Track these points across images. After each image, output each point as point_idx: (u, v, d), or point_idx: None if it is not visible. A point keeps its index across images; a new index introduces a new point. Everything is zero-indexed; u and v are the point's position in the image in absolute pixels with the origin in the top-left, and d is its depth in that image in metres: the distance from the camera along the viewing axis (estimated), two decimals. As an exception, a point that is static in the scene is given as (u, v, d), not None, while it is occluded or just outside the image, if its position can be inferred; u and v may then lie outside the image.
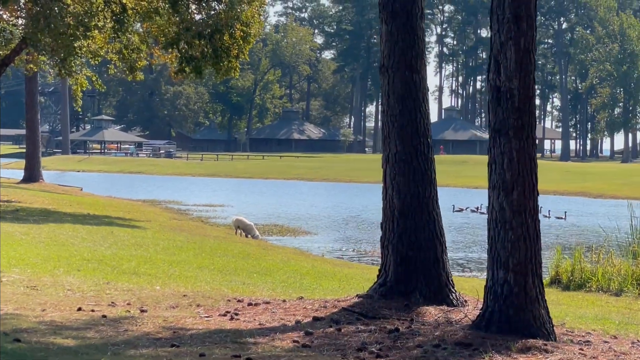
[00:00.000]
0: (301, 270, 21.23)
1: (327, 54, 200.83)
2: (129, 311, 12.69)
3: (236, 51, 34.97)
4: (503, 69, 11.17)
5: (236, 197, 65.69)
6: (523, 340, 10.65)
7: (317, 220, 47.08)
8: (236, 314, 12.48)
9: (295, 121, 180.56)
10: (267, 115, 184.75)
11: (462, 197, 62.08)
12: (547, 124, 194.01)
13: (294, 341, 10.85)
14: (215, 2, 35.36)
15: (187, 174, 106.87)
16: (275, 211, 51.25)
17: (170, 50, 35.62)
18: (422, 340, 10.80)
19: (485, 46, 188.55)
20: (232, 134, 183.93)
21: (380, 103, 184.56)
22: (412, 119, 13.16)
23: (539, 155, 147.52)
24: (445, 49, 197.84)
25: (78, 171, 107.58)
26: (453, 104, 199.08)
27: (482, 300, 11.61)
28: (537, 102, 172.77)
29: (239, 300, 13.76)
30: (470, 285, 18.29)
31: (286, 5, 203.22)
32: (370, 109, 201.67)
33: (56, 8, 32.92)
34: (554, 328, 11.30)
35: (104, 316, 12.23)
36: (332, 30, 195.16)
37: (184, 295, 14.33)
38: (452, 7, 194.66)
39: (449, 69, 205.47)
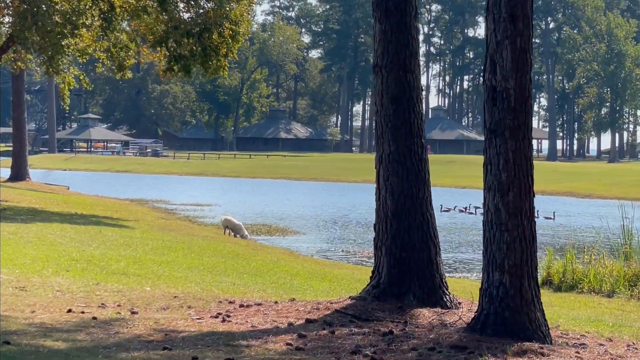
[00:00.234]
0: (291, 270, 21.11)
1: (314, 53, 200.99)
2: (120, 313, 12.54)
3: (225, 50, 34.85)
4: (499, 69, 11.05)
5: (223, 196, 65.51)
6: (519, 343, 10.56)
7: (305, 219, 46.97)
8: (228, 316, 12.34)
9: (282, 120, 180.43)
10: (254, 114, 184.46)
11: (450, 197, 62.00)
12: (534, 124, 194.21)
13: (287, 344, 10.71)
14: (203, 0, 35.22)
15: (174, 172, 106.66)
16: (263, 210, 51.12)
17: (158, 48, 35.46)
18: (417, 343, 10.69)
19: (472, 45, 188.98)
20: (219, 132, 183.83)
21: (368, 102, 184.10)
22: (405, 119, 13.02)
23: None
24: (432, 49, 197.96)
25: (64, 170, 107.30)
26: (440, 104, 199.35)
27: (476, 302, 11.51)
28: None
29: (230, 302, 13.63)
30: (461, 287, 18.23)
31: (273, 4, 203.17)
32: (357, 108, 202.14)
33: (44, 6, 32.75)
34: (550, 331, 11.21)
35: (95, 318, 12.07)
36: (319, 29, 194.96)
37: (175, 297, 14.19)
38: (439, 7, 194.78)
39: (436, 68, 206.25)
